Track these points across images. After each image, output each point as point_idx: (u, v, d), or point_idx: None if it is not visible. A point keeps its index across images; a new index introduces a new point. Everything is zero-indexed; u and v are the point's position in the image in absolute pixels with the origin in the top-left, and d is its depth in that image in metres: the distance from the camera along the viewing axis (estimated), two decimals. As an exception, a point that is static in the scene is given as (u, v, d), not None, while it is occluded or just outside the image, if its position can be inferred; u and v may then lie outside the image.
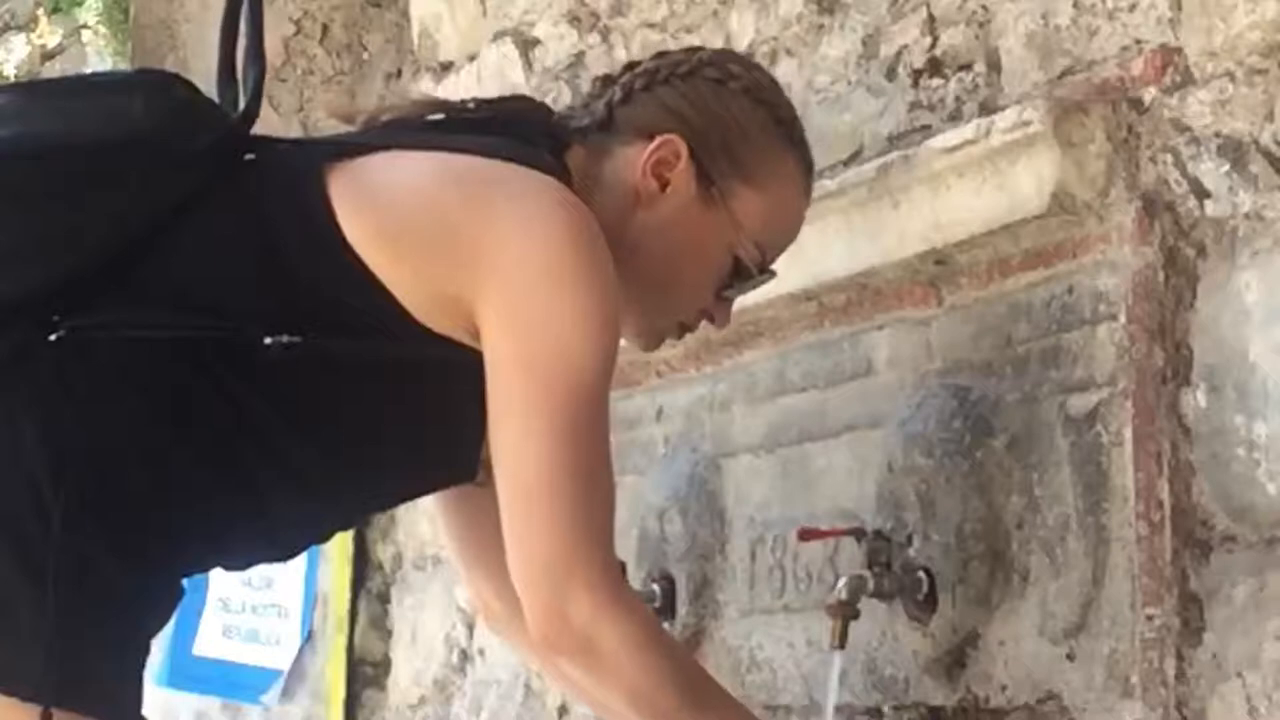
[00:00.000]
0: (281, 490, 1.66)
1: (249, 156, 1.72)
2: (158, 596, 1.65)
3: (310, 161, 1.69)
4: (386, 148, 1.73)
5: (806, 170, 1.88)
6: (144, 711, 1.64)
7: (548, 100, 3.09)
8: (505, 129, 1.77)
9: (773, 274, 1.89)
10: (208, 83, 1.75)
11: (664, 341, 1.91)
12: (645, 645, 1.66)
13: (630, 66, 1.89)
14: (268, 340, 1.62)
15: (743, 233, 1.82)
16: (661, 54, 1.93)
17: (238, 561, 1.80)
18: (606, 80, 1.89)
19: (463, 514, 1.91)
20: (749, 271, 1.85)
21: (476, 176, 1.69)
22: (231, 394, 1.62)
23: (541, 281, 1.62)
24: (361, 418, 1.67)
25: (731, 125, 1.81)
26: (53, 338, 1.60)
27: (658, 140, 1.79)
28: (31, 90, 1.84)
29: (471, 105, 1.84)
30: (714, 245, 1.82)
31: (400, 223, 1.64)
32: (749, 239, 1.83)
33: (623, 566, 2.51)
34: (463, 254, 1.63)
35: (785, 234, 1.89)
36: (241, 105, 1.72)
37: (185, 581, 1.72)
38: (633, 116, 1.82)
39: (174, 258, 1.64)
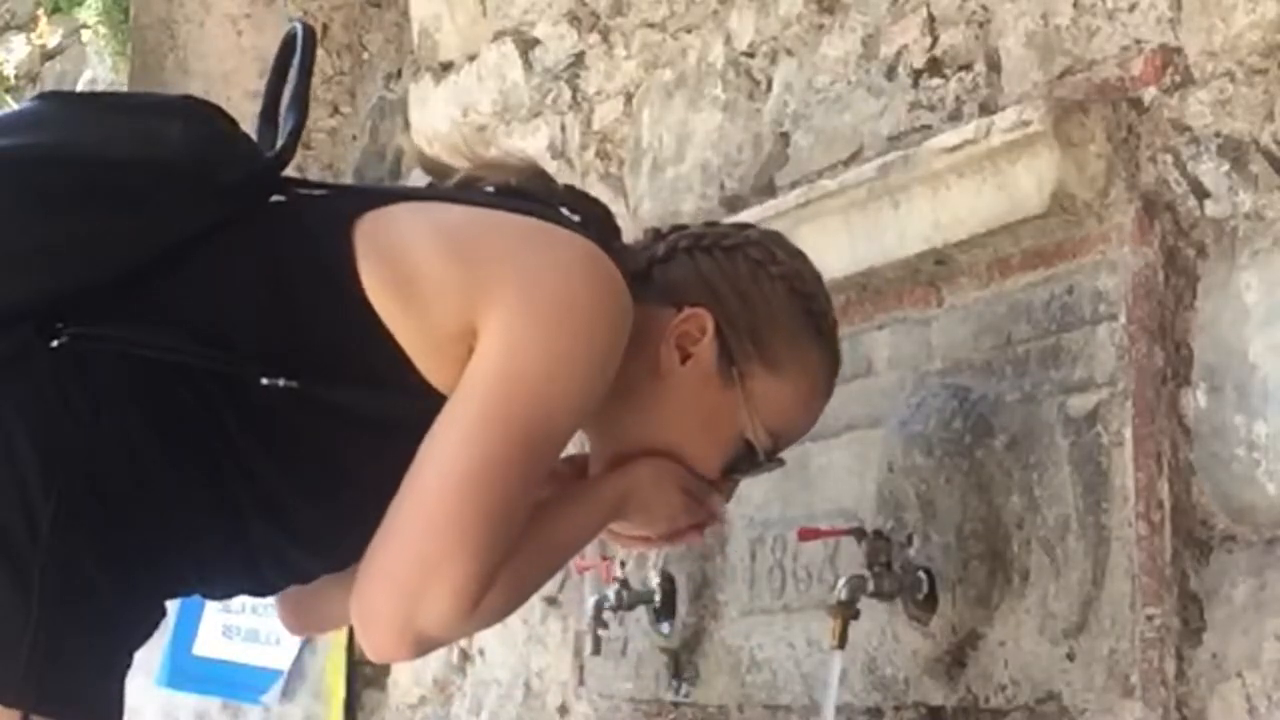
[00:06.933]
0: (262, 525, 1.65)
1: (278, 198, 1.72)
2: (141, 609, 1.64)
3: (339, 210, 1.69)
4: (421, 198, 1.73)
5: (831, 366, 1.84)
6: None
7: (547, 99, 3.11)
8: (564, 213, 1.77)
9: (781, 462, 1.85)
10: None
11: None
12: (495, 610, 1.65)
13: (679, 227, 1.88)
14: (264, 381, 1.61)
15: (757, 417, 1.79)
16: (712, 223, 1.93)
17: (218, 590, 1.79)
18: (656, 234, 1.87)
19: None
20: (757, 457, 1.82)
21: (507, 221, 1.70)
22: (224, 425, 1.61)
23: (551, 313, 1.62)
24: (347, 468, 1.66)
25: (762, 309, 1.79)
26: (54, 344, 1.60)
27: (686, 313, 1.77)
28: (74, 100, 1.83)
29: (562, 190, 1.82)
30: (725, 425, 1.79)
31: (416, 265, 1.63)
32: (762, 425, 1.79)
33: (622, 566, 2.53)
34: (478, 283, 1.62)
35: (799, 425, 1.85)
36: (278, 147, 1.71)
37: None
38: (669, 278, 1.80)
39: (187, 284, 1.64)
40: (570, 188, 1.86)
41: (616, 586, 2.52)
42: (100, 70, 5.79)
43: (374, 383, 1.64)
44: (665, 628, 2.52)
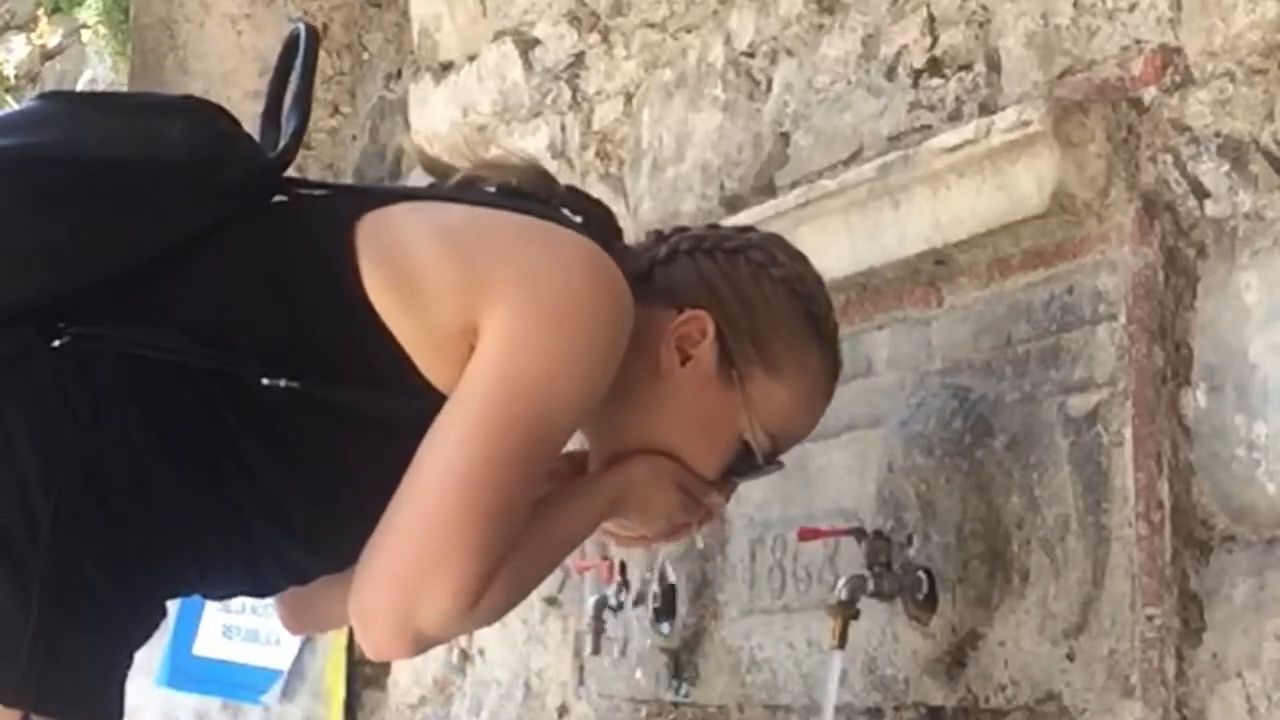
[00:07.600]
0: (262, 525, 1.65)
1: (279, 198, 1.72)
2: (141, 609, 1.64)
3: (340, 210, 1.69)
4: (422, 198, 1.74)
5: (831, 370, 1.84)
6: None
7: (547, 99, 3.10)
8: (565, 213, 1.77)
9: (780, 465, 1.85)
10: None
11: None
12: (493, 608, 1.64)
13: (680, 229, 1.88)
14: (265, 381, 1.61)
15: (755, 420, 1.78)
16: (714, 225, 1.93)
17: (218, 590, 1.78)
18: (658, 236, 1.87)
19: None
20: (756, 460, 1.82)
21: (508, 220, 1.70)
22: (225, 425, 1.61)
23: (551, 313, 1.62)
24: (348, 467, 1.66)
25: (762, 311, 1.79)
26: (55, 344, 1.60)
27: (687, 314, 1.77)
28: (75, 100, 1.83)
29: (564, 190, 1.82)
30: (724, 427, 1.79)
31: (417, 265, 1.63)
32: (761, 427, 1.79)
33: (623, 566, 2.53)
34: (479, 282, 1.62)
35: (799, 427, 1.85)
36: (280, 148, 1.71)
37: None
38: (670, 279, 1.80)
39: (187, 285, 1.64)
40: (571, 188, 1.86)
41: (617, 587, 2.52)
42: (100, 70, 5.79)
43: (375, 383, 1.64)
44: (665, 628, 2.52)
